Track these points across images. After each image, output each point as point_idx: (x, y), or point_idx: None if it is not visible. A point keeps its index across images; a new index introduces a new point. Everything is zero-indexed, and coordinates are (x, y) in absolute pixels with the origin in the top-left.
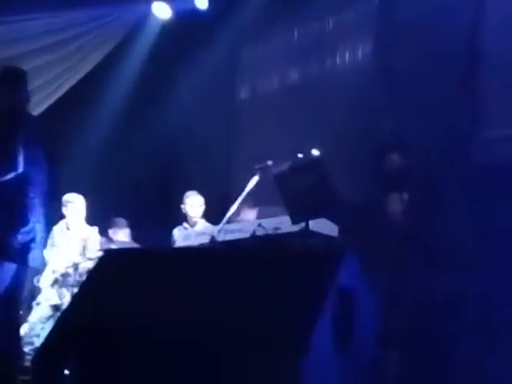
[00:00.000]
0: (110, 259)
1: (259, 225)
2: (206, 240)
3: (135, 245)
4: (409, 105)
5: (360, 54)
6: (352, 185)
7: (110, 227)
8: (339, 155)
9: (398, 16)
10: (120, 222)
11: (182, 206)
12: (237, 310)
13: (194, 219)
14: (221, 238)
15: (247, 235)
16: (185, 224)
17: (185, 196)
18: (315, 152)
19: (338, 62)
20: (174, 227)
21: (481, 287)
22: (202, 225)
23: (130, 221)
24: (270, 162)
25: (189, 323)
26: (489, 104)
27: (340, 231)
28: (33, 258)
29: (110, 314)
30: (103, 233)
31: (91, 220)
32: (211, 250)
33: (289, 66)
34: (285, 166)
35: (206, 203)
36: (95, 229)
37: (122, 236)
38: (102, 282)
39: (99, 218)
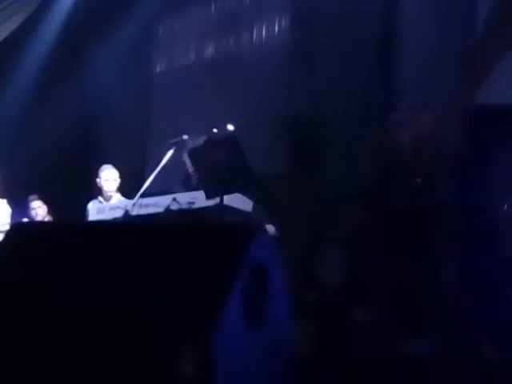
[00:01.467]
0: (19, 234)
1: (174, 199)
2: (119, 214)
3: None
4: (324, 81)
5: (277, 29)
6: (266, 160)
7: (27, 204)
8: (255, 130)
9: None
10: (34, 198)
11: (97, 180)
12: (146, 287)
13: (109, 193)
14: (135, 212)
15: (161, 209)
16: (100, 198)
17: (100, 170)
18: (230, 127)
19: (254, 38)
20: (89, 201)
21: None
22: (117, 199)
23: (45, 196)
24: (185, 137)
25: (97, 301)
26: (403, 83)
27: (254, 206)
28: None
29: (18, 294)
30: (17, 208)
31: (4, 194)
32: (122, 225)
33: (206, 40)
34: (200, 140)
35: (122, 177)
36: (3, 201)
37: (40, 212)
38: (9, 259)
39: (12, 192)
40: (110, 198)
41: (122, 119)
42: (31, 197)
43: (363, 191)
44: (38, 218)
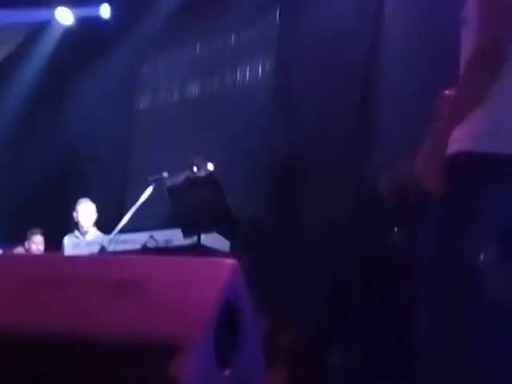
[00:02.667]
0: None
1: (151, 237)
2: (95, 249)
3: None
4: (305, 123)
5: (260, 71)
6: (246, 201)
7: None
8: (235, 171)
9: (299, 35)
10: (37, 232)
11: (74, 214)
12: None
13: (85, 228)
14: (111, 248)
15: (138, 246)
16: (76, 232)
17: (77, 204)
18: (210, 166)
19: (238, 78)
20: (65, 235)
21: None
22: (93, 234)
23: (22, 227)
24: (165, 174)
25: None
26: (381, 128)
27: (231, 246)
28: None
29: None
30: None
31: None
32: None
33: (190, 79)
34: (179, 178)
35: (101, 212)
36: None
37: (41, 248)
38: None
39: None
40: (86, 232)
41: (102, 154)
42: (33, 230)
43: (341, 236)
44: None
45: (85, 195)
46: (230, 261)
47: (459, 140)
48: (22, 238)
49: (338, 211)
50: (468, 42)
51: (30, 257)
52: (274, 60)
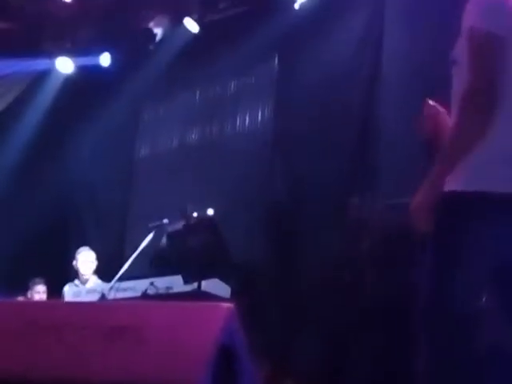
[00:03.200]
0: None
1: (151, 283)
2: (96, 298)
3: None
4: (303, 168)
5: (259, 117)
6: (246, 245)
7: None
8: (234, 215)
9: (298, 82)
10: (40, 282)
11: (74, 263)
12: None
13: (85, 276)
14: (112, 295)
15: (138, 294)
16: (76, 281)
17: (76, 252)
18: (210, 212)
19: (237, 125)
20: (66, 284)
21: None
22: (93, 282)
23: (23, 276)
24: (165, 221)
25: None
26: (380, 172)
27: (232, 292)
28: None
29: None
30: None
31: None
32: None
33: (189, 126)
34: (179, 224)
35: (101, 260)
36: None
37: (44, 297)
38: None
39: None
40: (86, 281)
41: (102, 201)
42: (36, 280)
43: (337, 279)
44: None
45: (85, 243)
46: (226, 305)
47: (451, 179)
48: (23, 288)
49: (338, 254)
50: (458, 82)
51: (30, 303)
52: (273, 106)
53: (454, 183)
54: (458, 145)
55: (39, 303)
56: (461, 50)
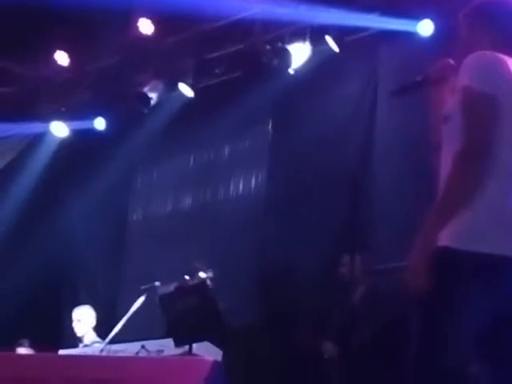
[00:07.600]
0: None
1: (142, 346)
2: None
3: None
4: (297, 234)
5: (253, 182)
6: (238, 308)
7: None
8: (226, 280)
9: (291, 146)
10: (24, 344)
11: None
12: None
13: (78, 334)
14: None
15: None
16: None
17: (73, 312)
18: (202, 275)
19: (231, 189)
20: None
21: None
22: (90, 340)
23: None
24: (157, 283)
25: None
26: (373, 235)
27: (224, 355)
28: None
29: None
30: None
31: None
32: None
33: (183, 190)
34: (171, 287)
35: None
36: None
37: None
38: None
39: None
40: (81, 338)
41: (94, 264)
42: (21, 341)
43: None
44: None
45: (76, 305)
46: (211, 359)
47: (445, 234)
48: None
49: (330, 316)
50: (450, 137)
51: (16, 356)
52: (267, 170)
53: (446, 239)
54: (451, 200)
55: (26, 356)
56: (454, 106)
